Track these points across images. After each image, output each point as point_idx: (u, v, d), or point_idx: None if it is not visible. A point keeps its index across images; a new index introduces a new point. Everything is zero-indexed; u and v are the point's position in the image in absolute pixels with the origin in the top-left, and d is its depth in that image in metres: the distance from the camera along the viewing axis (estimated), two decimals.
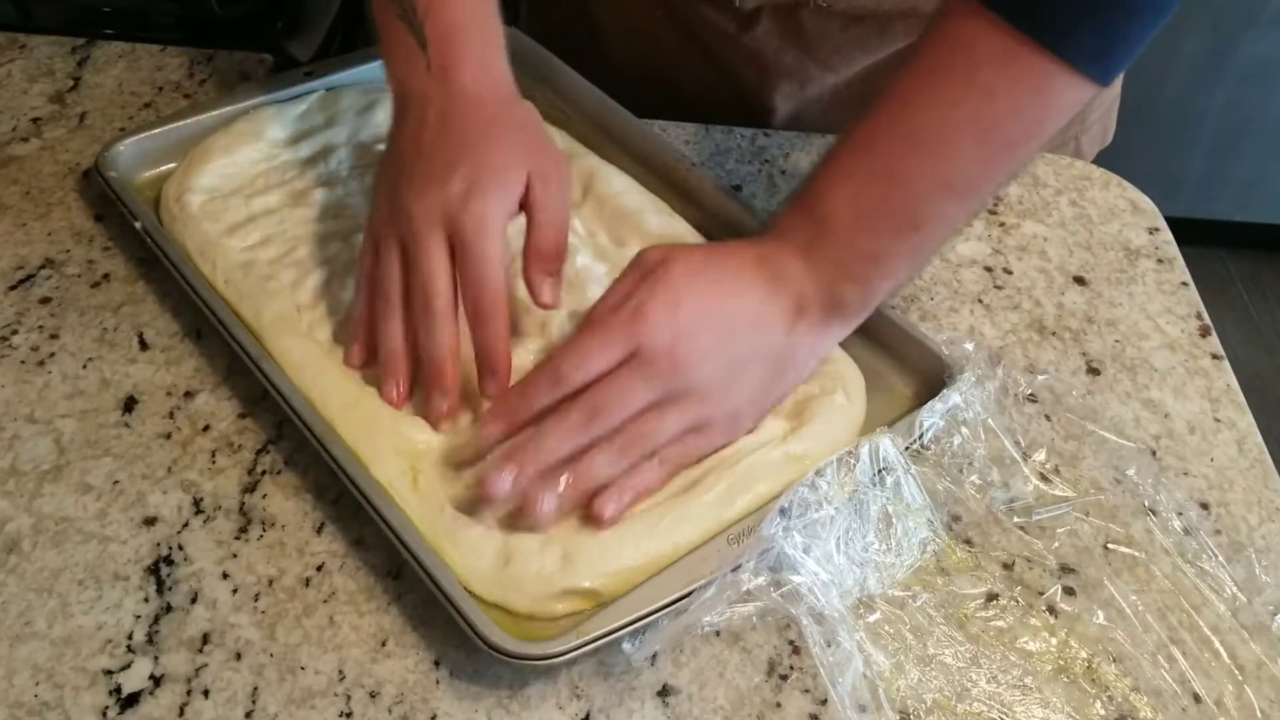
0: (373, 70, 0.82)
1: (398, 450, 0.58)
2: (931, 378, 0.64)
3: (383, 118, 0.78)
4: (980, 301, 0.74)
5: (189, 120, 0.76)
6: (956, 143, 0.58)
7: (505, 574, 0.54)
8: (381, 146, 0.76)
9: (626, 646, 0.53)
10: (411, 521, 0.55)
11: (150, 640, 0.54)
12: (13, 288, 0.69)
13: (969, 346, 0.64)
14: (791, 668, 0.55)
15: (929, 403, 0.62)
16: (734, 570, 0.53)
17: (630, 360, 0.57)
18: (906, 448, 0.60)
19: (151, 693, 0.52)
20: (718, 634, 0.56)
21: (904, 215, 0.60)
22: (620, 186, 0.74)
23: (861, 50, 0.83)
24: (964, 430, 0.62)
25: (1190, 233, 0.89)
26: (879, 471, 0.59)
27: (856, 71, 0.85)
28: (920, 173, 0.59)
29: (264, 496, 0.59)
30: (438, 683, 0.53)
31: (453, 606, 0.52)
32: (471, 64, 0.63)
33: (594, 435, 0.56)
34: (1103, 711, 0.54)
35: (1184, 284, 0.76)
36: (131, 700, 0.52)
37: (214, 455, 0.61)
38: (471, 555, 0.54)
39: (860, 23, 0.82)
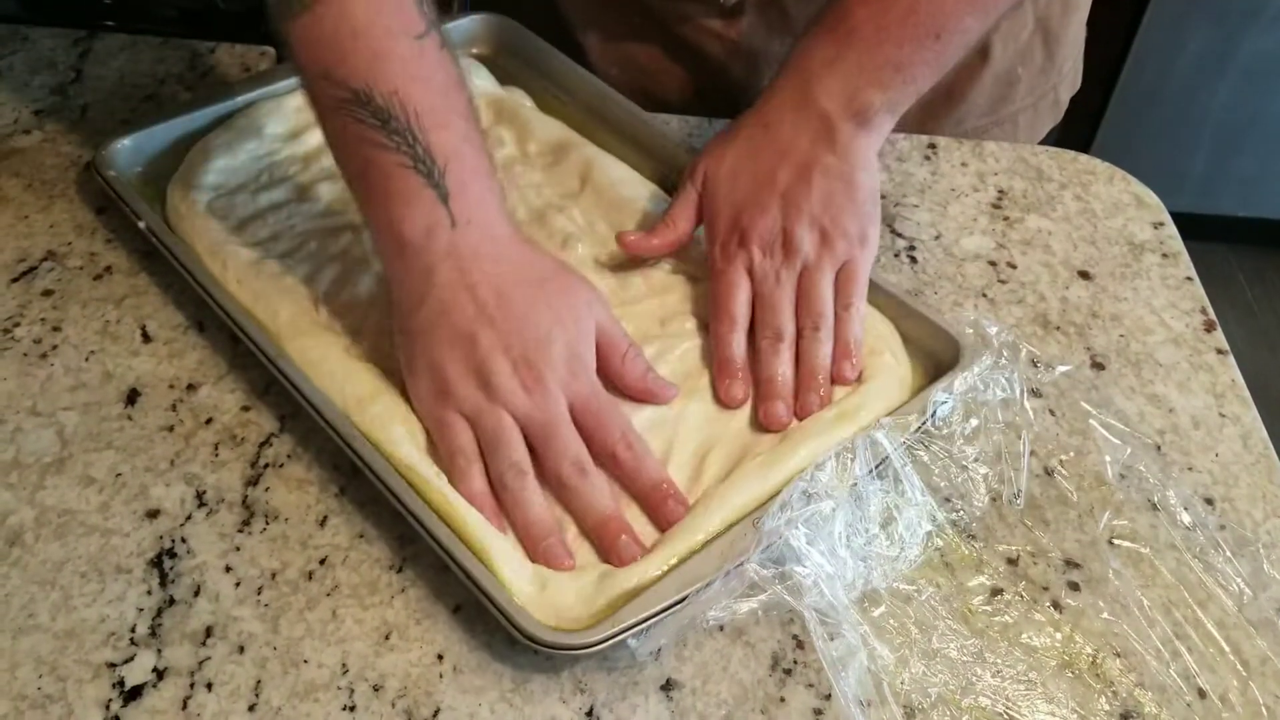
0: None
1: (414, 441, 0.58)
2: (945, 361, 0.64)
3: None
4: (984, 296, 0.73)
5: (187, 116, 0.76)
6: None
7: (543, 597, 0.54)
8: None
9: (631, 641, 0.53)
10: (441, 513, 0.56)
11: (153, 633, 0.54)
12: (15, 280, 0.69)
13: (993, 330, 0.64)
14: (795, 662, 0.54)
15: (943, 379, 0.62)
16: (738, 565, 0.53)
17: (753, 274, 0.66)
18: (917, 428, 0.60)
19: (155, 685, 0.52)
20: (721, 629, 0.55)
21: (927, 26, 0.66)
22: (618, 175, 0.74)
23: None
24: (973, 420, 0.62)
25: (1193, 228, 0.88)
26: (878, 464, 0.59)
27: None
28: None
29: (267, 489, 0.59)
30: (441, 676, 0.53)
31: (482, 592, 0.52)
32: (499, 215, 0.61)
33: (791, 341, 0.64)
34: (1107, 707, 0.54)
35: (1189, 279, 0.76)
36: (135, 693, 0.51)
37: (217, 448, 0.61)
38: (506, 567, 0.54)
39: None
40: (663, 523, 0.57)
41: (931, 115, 0.88)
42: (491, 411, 0.57)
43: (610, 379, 0.61)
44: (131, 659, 0.53)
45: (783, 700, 0.53)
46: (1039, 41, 0.89)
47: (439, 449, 0.59)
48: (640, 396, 0.62)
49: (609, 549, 0.56)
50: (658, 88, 0.88)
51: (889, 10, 0.66)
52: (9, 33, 0.88)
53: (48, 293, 0.68)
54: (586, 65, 0.89)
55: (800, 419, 0.62)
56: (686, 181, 0.69)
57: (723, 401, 0.63)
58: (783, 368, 0.63)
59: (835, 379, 0.64)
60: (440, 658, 0.54)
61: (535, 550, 0.56)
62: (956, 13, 0.67)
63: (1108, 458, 0.64)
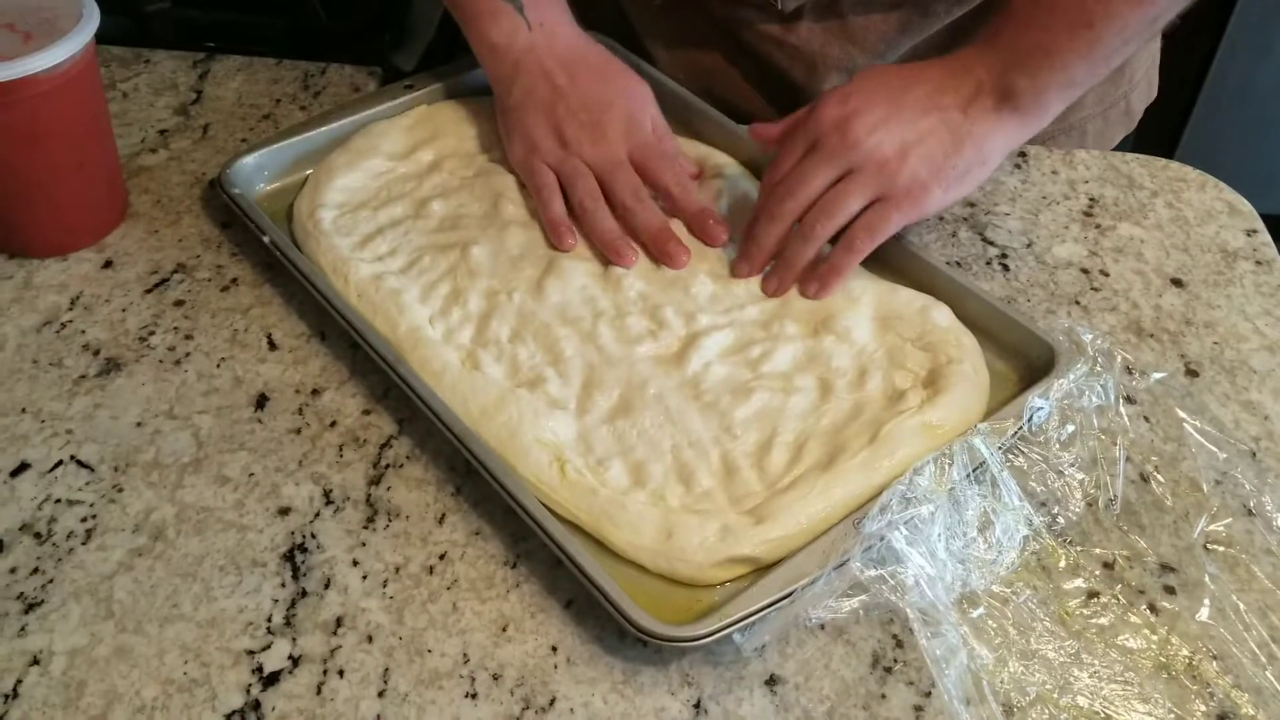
0: (468, 81, 0.85)
1: (542, 444, 0.61)
2: (1038, 368, 0.66)
3: (480, 130, 0.81)
4: (1077, 303, 0.74)
5: (303, 136, 0.80)
6: None
7: (669, 546, 0.58)
8: (485, 158, 0.79)
9: (737, 637, 0.55)
10: (566, 506, 0.60)
11: (288, 623, 0.57)
12: (148, 291, 0.74)
13: (1087, 337, 0.65)
14: (895, 660, 0.56)
15: (1038, 385, 0.63)
16: (842, 564, 0.55)
17: (809, 151, 0.70)
18: (1014, 434, 0.61)
19: (291, 672, 0.55)
20: (822, 628, 0.58)
21: (1078, 12, 0.66)
22: (722, 160, 0.79)
23: (905, 34, 0.85)
24: (1069, 426, 0.63)
25: None
26: (975, 469, 0.60)
27: (903, 54, 0.87)
28: None
29: (388, 489, 0.63)
30: (556, 667, 0.56)
31: (594, 586, 0.55)
32: (565, 19, 0.79)
33: (790, 222, 0.70)
34: (1204, 708, 0.55)
35: None
36: (273, 679, 0.55)
37: (341, 449, 0.65)
38: (633, 532, 0.58)
39: (901, 8, 0.84)
40: (708, 239, 0.72)
41: None
42: (569, 159, 0.74)
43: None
44: (269, 647, 0.56)
45: (884, 697, 0.55)
46: None
47: (530, 190, 0.75)
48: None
49: (662, 252, 0.71)
50: (724, 91, 0.91)
51: None
52: (132, 56, 0.93)
53: (179, 303, 0.73)
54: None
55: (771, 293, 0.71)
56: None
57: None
58: (768, 241, 0.71)
59: (801, 290, 0.70)
60: (554, 649, 0.57)
61: (609, 249, 0.72)
62: (1109, 1, 0.66)
63: (1203, 464, 0.64)
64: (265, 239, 0.72)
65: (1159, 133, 2.10)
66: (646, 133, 0.76)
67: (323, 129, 0.81)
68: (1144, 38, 0.69)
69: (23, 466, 0.63)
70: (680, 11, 0.90)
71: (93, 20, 0.70)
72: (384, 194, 0.76)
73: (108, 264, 0.75)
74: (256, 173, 0.79)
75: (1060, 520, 0.61)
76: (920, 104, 0.68)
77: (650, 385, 0.65)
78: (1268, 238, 0.80)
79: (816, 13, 0.85)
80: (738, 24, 0.88)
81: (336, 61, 0.92)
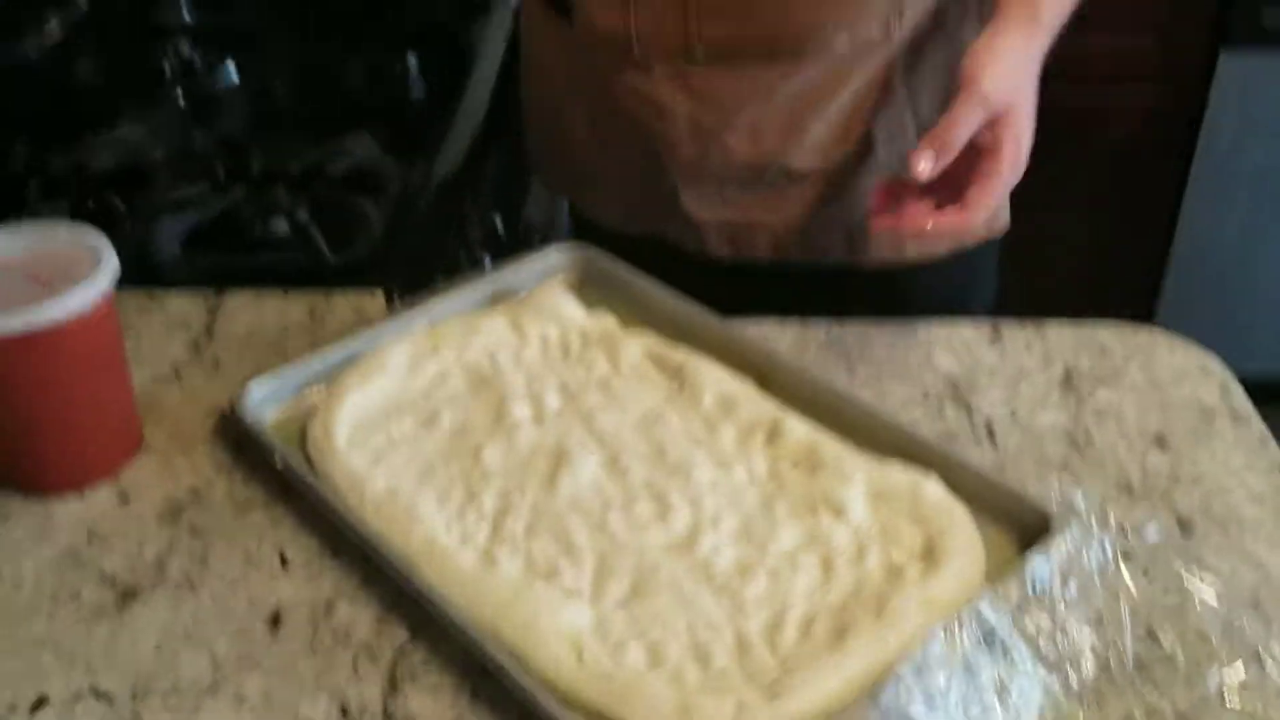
0: (466, 297, 0.90)
1: (559, 634, 0.62)
2: (1033, 534, 0.67)
3: (481, 341, 0.85)
4: (1066, 468, 0.77)
5: (312, 362, 0.83)
6: None
7: None
8: (487, 366, 0.83)
9: None
10: (584, 693, 0.60)
11: None
12: (163, 520, 0.75)
13: (1080, 499, 0.67)
14: None
15: (1037, 547, 0.65)
16: None
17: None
18: (1020, 597, 0.62)
19: None
20: None
21: None
22: (714, 375, 0.81)
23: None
24: (1072, 587, 0.64)
25: (1272, 391, 0.91)
26: (985, 635, 0.61)
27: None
28: None
29: (405, 698, 0.63)
30: None
31: None
32: None
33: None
34: None
35: (1262, 438, 0.79)
36: None
37: (355, 662, 0.65)
38: (651, 712, 0.58)
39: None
40: None
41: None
42: None
43: None
44: None
45: None
46: None
47: None
48: None
49: None
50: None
51: None
52: (145, 296, 0.97)
53: (193, 529, 0.75)
54: None
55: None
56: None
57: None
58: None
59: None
60: None
61: None
62: None
63: (1207, 615, 0.65)
64: (277, 464, 0.74)
65: (1134, 308, 2.17)
66: None
67: (330, 354, 0.84)
68: None
69: (41, 701, 0.64)
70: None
71: (111, 267, 0.75)
72: (394, 409, 0.80)
73: (123, 496, 0.77)
74: (268, 401, 0.82)
75: (1074, 681, 0.62)
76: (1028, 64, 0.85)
77: (662, 569, 0.67)
78: (1242, 393, 0.83)
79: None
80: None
81: (341, 287, 0.97)
